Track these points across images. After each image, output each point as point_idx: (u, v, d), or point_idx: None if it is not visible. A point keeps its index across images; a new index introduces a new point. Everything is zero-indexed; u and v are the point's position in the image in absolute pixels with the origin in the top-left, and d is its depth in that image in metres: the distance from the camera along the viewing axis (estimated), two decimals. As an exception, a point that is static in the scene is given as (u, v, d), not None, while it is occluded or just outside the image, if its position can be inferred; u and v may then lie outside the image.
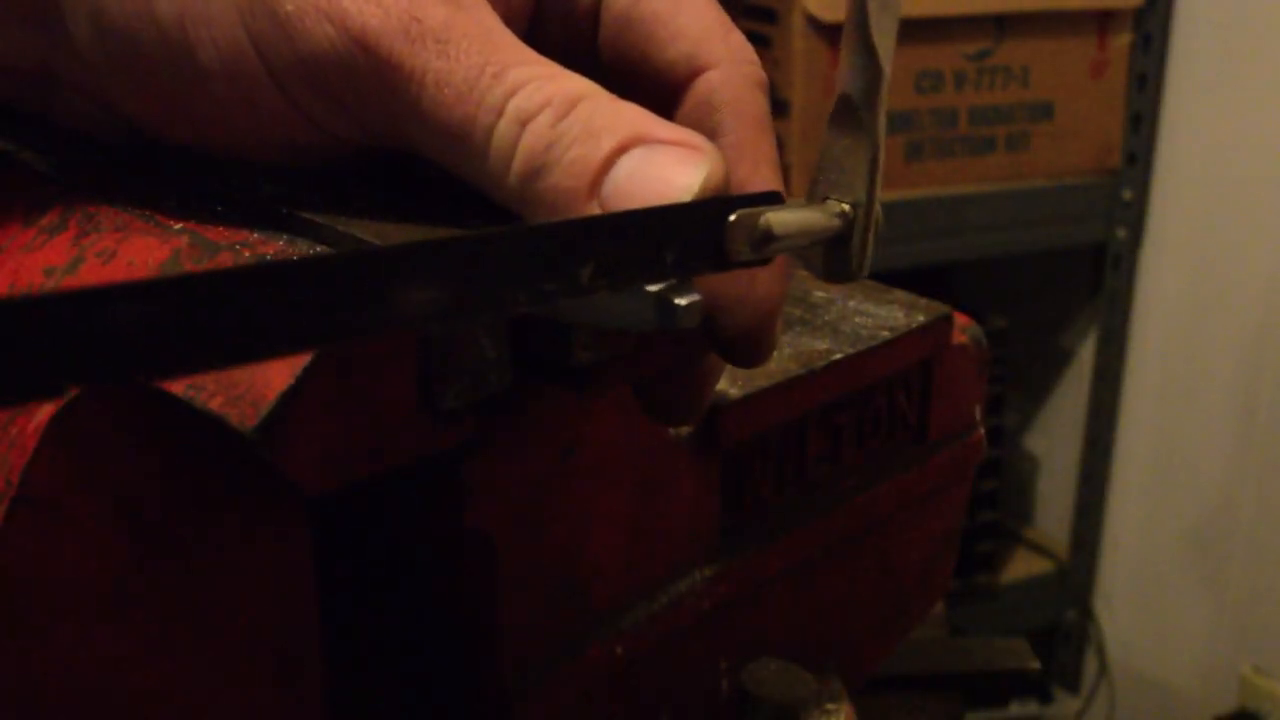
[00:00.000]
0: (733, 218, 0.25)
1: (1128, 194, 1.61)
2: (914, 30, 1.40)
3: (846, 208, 0.28)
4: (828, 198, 0.28)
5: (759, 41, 1.43)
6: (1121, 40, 1.52)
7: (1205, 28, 1.53)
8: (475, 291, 0.22)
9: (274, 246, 0.28)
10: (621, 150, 0.26)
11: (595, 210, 0.26)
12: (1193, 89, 1.55)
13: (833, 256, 0.28)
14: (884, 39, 0.27)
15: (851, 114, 0.28)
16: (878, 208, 0.28)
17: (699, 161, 0.26)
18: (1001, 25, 1.45)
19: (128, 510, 0.26)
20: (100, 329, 0.17)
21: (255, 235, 0.28)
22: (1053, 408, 1.85)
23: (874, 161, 0.28)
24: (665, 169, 0.25)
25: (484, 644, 0.34)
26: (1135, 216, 1.62)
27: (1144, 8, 1.52)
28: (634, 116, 0.26)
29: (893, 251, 1.44)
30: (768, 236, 0.25)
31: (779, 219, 0.26)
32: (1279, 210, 1.50)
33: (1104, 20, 1.50)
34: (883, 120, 0.28)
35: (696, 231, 0.25)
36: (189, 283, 0.18)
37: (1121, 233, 1.62)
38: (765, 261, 0.26)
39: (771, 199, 0.26)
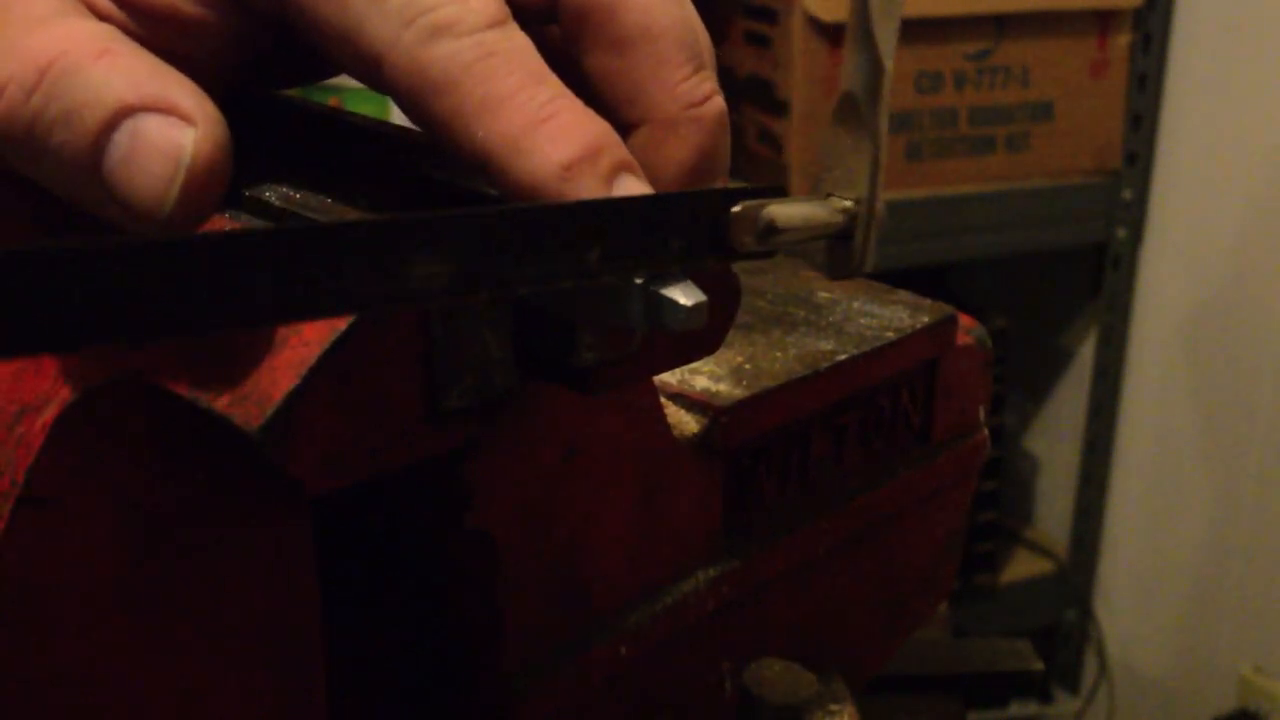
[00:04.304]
0: (736, 209, 0.26)
1: (1128, 194, 1.61)
2: (914, 30, 1.40)
3: (849, 204, 0.28)
4: (830, 194, 0.28)
5: (759, 41, 1.43)
6: (1121, 40, 1.52)
7: (1205, 28, 1.53)
8: (483, 267, 0.22)
9: (279, 246, 0.28)
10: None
11: None
12: (1193, 89, 1.55)
13: (836, 252, 0.28)
14: (886, 38, 0.27)
15: (854, 112, 0.28)
16: (880, 204, 0.28)
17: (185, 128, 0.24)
18: (1001, 25, 1.45)
19: (133, 510, 0.26)
20: (98, 287, 0.17)
21: (260, 235, 0.28)
22: (1053, 408, 1.85)
23: (876, 159, 0.28)
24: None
25: (486, 644, 0.34)
26: (1135, 216, 1.62)
27: (1144, 8, 1.52)
28: None
29: (893, 251, 1.43)
30: (771, 229, 0.26)
31: (782, 211, 0.26)
32: (1278, 210, 1.50)
33: (1104, 20, 1.50)
34: (885, 118, 0.28)
35: (700, 221, 0.25)
36: (196, 244, 0.18)
37: (1121, 233, 1.62)
38: (771, 254, 0.26)
39: (776, 192, 0.26)
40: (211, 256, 0.19)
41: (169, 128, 0.23)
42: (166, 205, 0.23)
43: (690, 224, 0.25)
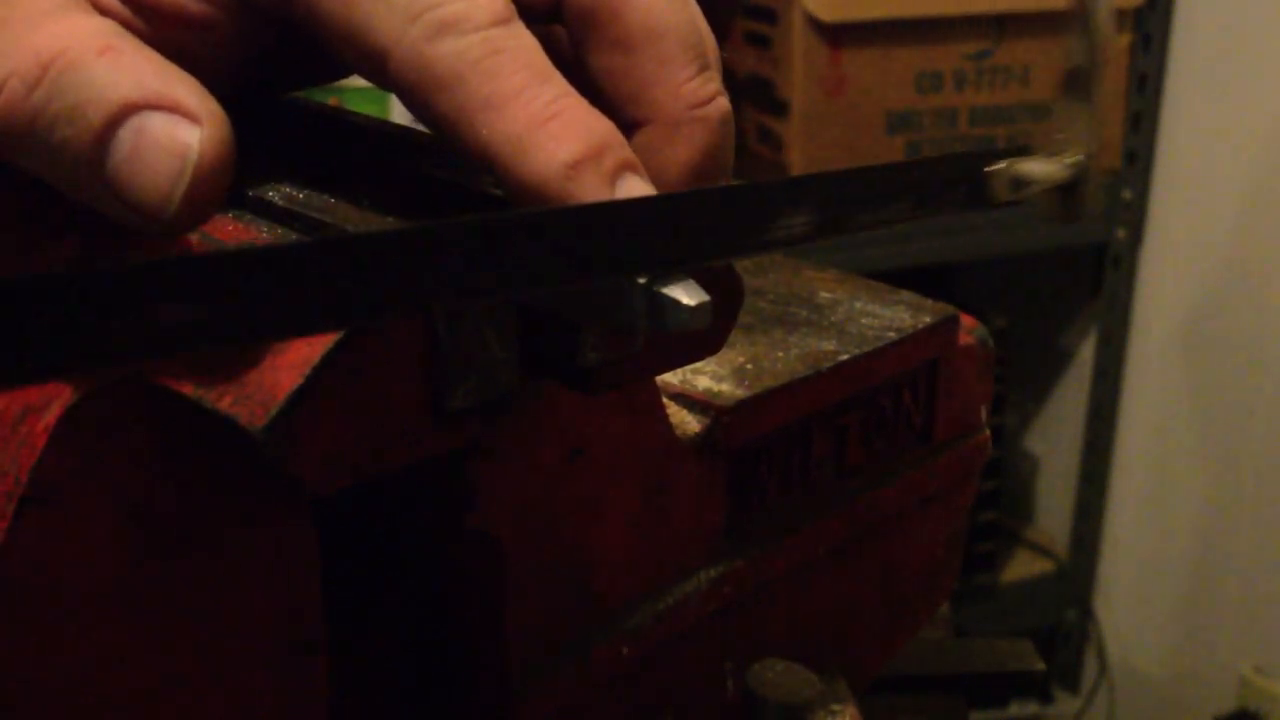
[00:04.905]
0: (993, 167, 0.30)
1: (1128, 194, 1.61)
2: (914, 30, 1.40)
3: (1077, 160, 0.33)
4: (1059, 153, 0.33)
5: (759, 42, 1.43)
6: (1121, 40, 1.52)
7: (1205, 28, 1.53)
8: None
9: (282, 246, 0.28)
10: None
11: None
12: (1193, 89, 1.55)
13: (1066, 201, 0.33)
14: (1104, 22, 0.33)
15: (1079, 84, 0.33)
16: (1099, 162, 0.34)
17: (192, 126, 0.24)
18: (1001, 25, 1.45)
19: (136, 509, 0.26)
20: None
21: (264, 235, 0.28)
22: (1053, 408, 1.86)
23: (1098, 121, 0.34)
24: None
25: (489, 644, 0.34)
26: (1135, 216, 1.62)
27: (1144, 8, 1.52)
28: None
29: (893, 251, 1.44)
30: (1019, 182, 0.31)
31: (1027, 168, 0.31)
32: (1278, 210, 1.50)
33: (1104, 20, 1.50)
34: (1102, 88, 0.34)
35: (960, 178, 0.30)
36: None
37: (1121, 233, 1.63)
38: (1019, 203, 0.31)
39: (1020, 152, 0.31)
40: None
41: (175, 127, 0.23)
42: (172, 204, 0.23)
43: (953, 181, 0.29)
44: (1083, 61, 0.33)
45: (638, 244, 0.24)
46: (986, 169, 0.30)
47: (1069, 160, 0.32)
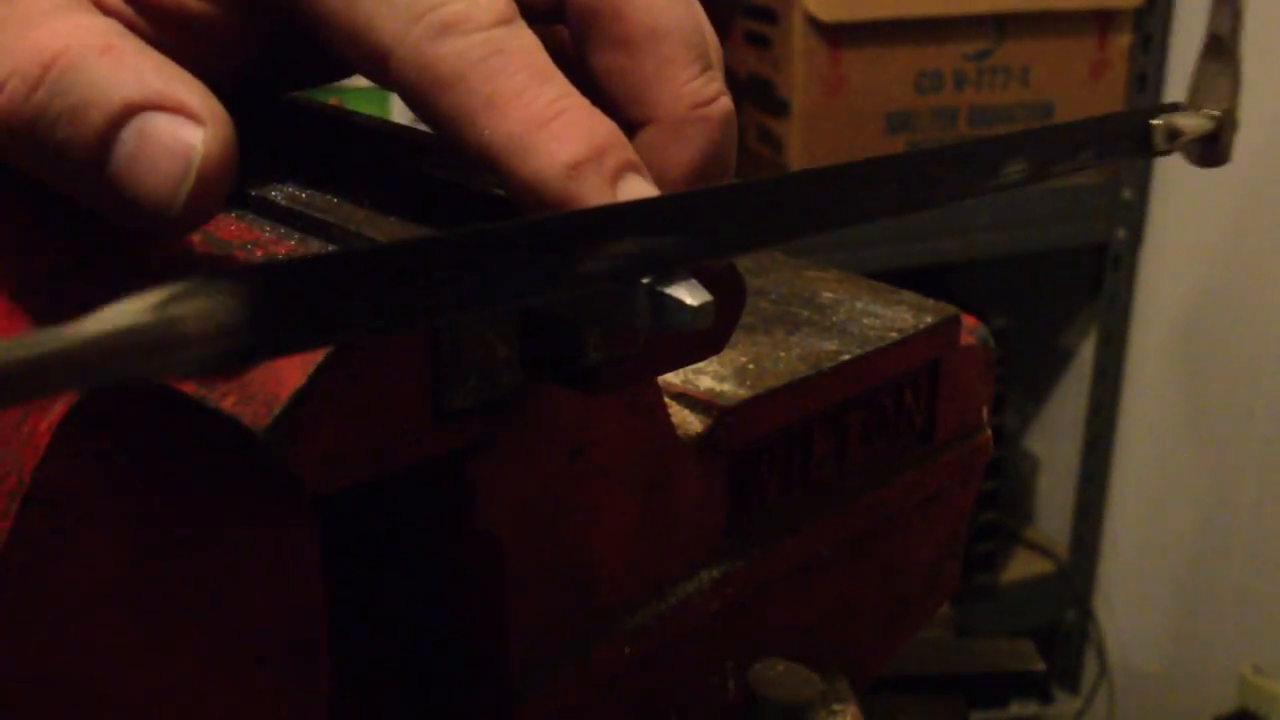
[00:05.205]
0: (1156, 121, 0.35)
1: (1128, 194, 1.61)
2: (914, 30, 1.40)
3: (1219, 113, 0.38)
4: (1201, 108, 0.38)
5: (759, 42, 1.43)
6: (1121, 40, 1.52)
7: (1205, 28, 1.53)
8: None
9: (286, 246, 0.28)
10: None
11: None
12: (1193, 89, 1.55)
13: (1207, 149, 0.38)
14: None
15: (1220, 47, 0.39)
16: (1237, 115, 0.39)
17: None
18: (1001, 25, 1.45)
19: (139, 509, 0.26)
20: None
21: (267, 234, 0.28)
22: (1053, 408, 1.85)
23: (1237, 79, 0.39)
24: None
25: (491, 644, 0.34)
26: (1135, 216, 1.62)
27: (1144, 8, 1.52)
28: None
29: (893, 251, 1.44)
30: (1175, 133, 0.36)
31: (1181, 121, 0.36)
32: (1278, 209, 1.50)
33: (1104, 20, 1.51)
34: (1241, 48, 0.40)
35: (1128, 130, 0.35)
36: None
37: (1121, 233, 1.63)
38: (1170, 152, 0.36)
39: (1174, 109, 0.36)
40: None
41: (178, 127, 0.23)
42: (177, 204, 0.23)
43: (1124, 134, 0.35)
44: (1224, 28, 0.40)
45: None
46: (1151, 121, 0.36)
47: (1213, 113, 0.38)
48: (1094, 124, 0.34)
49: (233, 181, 0.24)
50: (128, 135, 0.23)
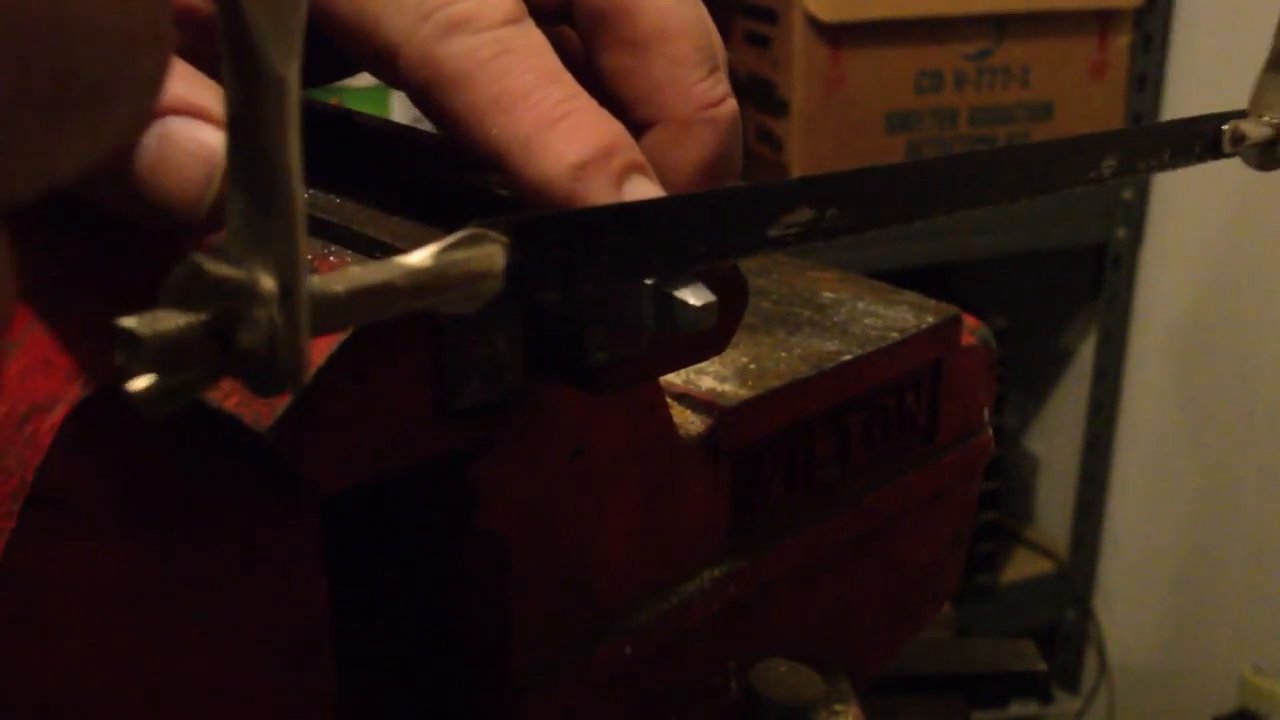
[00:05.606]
0: (1226, 127, 0.37)
1: (1128, 194, 1.61)
2: (914, 30, 1.40)
3: (1276, 121, 0.40)
4: (1262, 115, 0.39)
5: (759, 41, 1.43)
6: (1121, 40, 1.52)
7: (1205, 28, 1.53)
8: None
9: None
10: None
11: None
12: (1193, 89, 1.55)
13: (1264, 154, 0.39)
14: None
15: None
16: None
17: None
18: (1001, 25, 1.45)
19: (142, 509, 0.26)
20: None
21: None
22: (1053, 408, 1.85)
23: None
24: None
25: (494, 643, 0.34)
26: (1135, 216, 1.62)
27: (1144, 8, 1.52)
28: None
29: (893, 251, 1.44)
30: (1240, 136, 0.38)
31: (1246, 127, 0.38)
32: (1278, 209, 1.50)
33: (1104, 20, 1.51)
34: None
35: (1199, 133, 0.37)
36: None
37: (1121, 233, 1.63)
38: (1233, 155, 0.37)
39: (1238, 115, 0.38)
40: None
41: (199, 131, 0.23)
42: (203, 207, 0.23)
43: (1196, 136, 0.36)
44: None
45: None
46: (1222, 126, 0.38)
47: (1271, 121, 0.40)
48: (1175, 126, 0.36)
49: None
50: (149, 140, 0.23)
